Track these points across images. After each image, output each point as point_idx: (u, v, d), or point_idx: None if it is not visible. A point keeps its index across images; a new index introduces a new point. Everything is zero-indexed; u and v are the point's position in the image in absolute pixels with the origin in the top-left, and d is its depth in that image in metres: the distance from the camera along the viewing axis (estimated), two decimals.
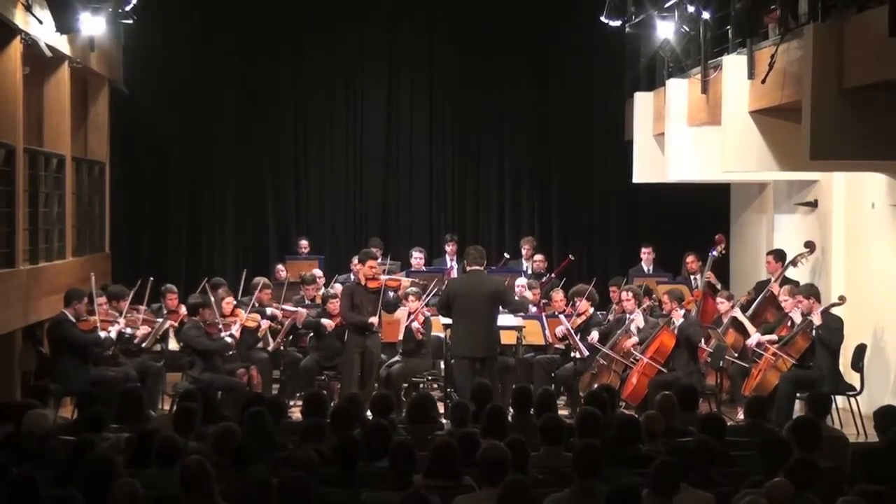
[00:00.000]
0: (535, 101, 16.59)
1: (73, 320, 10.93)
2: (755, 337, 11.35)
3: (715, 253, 12.85)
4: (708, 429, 7.32)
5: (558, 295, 12.69)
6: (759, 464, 6.55)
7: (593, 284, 12.66)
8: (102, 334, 11.06)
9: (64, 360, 10.86)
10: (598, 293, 12.83)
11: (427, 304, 12.25)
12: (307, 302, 12.87)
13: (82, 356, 10.95)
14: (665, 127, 13.35)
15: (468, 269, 11.23)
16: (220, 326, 11.39)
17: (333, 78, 16.49)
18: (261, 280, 12.65)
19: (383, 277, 11.61)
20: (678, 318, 11.56)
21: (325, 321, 11.92)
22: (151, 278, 12.21)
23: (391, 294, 11.45)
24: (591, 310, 12.32)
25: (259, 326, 11.96)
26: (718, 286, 12.98)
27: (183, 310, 11.96)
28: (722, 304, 11.97)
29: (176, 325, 12.01)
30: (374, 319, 11.28)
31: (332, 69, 16.43)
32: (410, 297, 11.97)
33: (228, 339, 11.39)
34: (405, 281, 12.29)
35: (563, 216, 16.69)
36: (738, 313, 11.71)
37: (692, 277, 13.44)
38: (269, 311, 12.29)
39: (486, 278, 11.24)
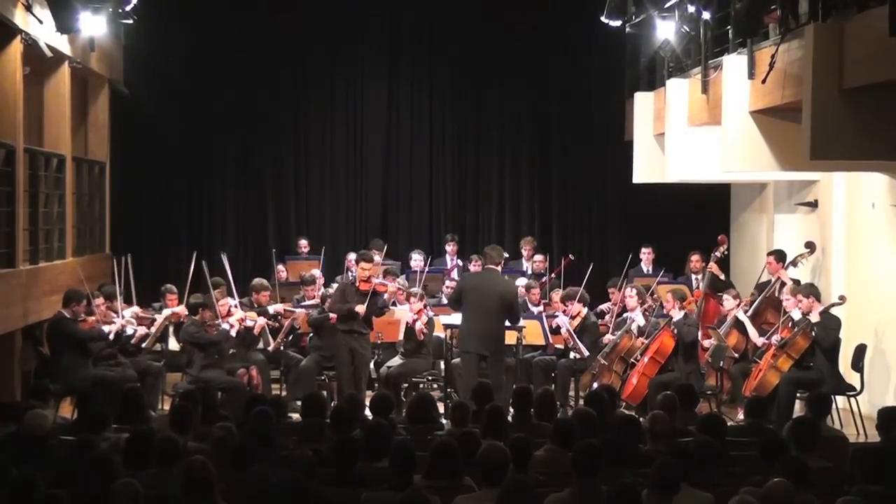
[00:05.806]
0: (536, 101, 16.58)
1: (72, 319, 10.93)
2: (761, 340, 11.35)
3: (717, 254, 12.84)
4: (708, 429, 7.32)
5: (558, 296, 12.69)
6: (759, 464, 6.55)
7: (584, 286, 12.65)
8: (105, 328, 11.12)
9: (64, 359, 10.87)
10: (596, 293, 12.81)
11: (429, 305, 12.28)
12: (307, 302, 12.86)
13: (82, 353, 10.96)
14: (665, 127, 13.34)
15: (485, 266, 11.30)
16: (220, 326, 11.42)
17: (333, 77, 16.49)
18: (259, 281, 12.65)
19: (375, 280, 11.62)
20: (677, 315, 11.56)
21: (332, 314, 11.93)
22: (125, 255, 12.15)
23: (380, 299, 11.48)
24: (585, 310, 12.32)
25: (255, 323, 11.97)
26: (722, 277, 12.95)
27: (183, 309, 11.97)
28: (727, 301, 11.94)
29: (175, 323, 12.02)
30: (360, 308, 11.27)
31: (332, 68, 16.43)
32: (412, 299, 12.00)
33: (226, 326, 11.45)
34: (392, 287, 12.34)
35: (563, 216, 16.68)
36: (741, 314, 11.69)
37: (694, 277, 13.43)
38: (271, 309, 12.31)
39: (500, 279, 11.27)
